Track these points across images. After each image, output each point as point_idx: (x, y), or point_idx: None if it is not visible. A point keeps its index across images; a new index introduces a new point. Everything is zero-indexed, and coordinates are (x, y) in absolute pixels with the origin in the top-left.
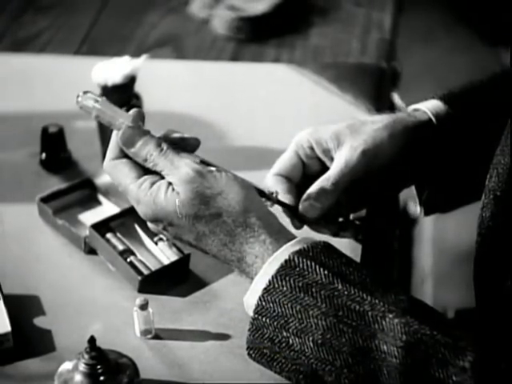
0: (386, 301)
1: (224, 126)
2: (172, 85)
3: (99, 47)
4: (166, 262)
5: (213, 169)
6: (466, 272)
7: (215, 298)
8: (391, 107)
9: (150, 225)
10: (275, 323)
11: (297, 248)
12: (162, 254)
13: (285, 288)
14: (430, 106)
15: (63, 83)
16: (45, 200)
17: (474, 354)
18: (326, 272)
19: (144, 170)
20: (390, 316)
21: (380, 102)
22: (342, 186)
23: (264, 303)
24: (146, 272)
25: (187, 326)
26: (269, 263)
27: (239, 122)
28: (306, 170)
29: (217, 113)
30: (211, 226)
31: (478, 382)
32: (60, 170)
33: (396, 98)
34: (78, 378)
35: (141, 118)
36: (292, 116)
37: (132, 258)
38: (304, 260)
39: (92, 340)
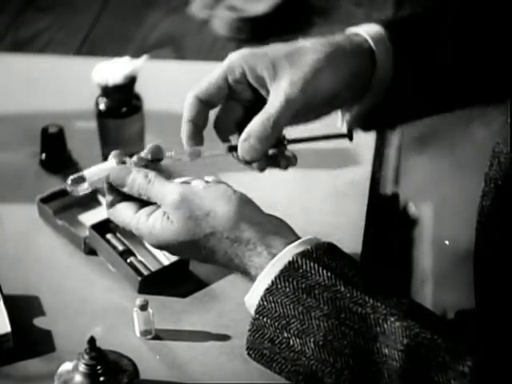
0: (388, 304)
1: None
2: (172, 85)
3: (99, 48)
4: (166, 262)
5: (200, 186)
6: (466, 273)
7: (215, 298)
8: None
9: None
10: (276, 324)
11: (300, 249)
12: (162, 254)
13: (287, 289)
14: (370, 31)
15: (63, 83)
16: (45, 200)
17: (474, 359)
18: (329, 274)
19: (142, 203)
20: (392, 319)
21: None
22: (283, 125)
23: (266, 303)
24: (146, 272)
25: (187, 326)
26: (272, 264)
27: None
28: (233, 94)
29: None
30: (210, 246)
31: None
32: (60, 170)
33: None
34: (78, 378)
35: (122, 156)
36: None
37: (132, 258)
38: (307, 262)
39: (92, 340)
